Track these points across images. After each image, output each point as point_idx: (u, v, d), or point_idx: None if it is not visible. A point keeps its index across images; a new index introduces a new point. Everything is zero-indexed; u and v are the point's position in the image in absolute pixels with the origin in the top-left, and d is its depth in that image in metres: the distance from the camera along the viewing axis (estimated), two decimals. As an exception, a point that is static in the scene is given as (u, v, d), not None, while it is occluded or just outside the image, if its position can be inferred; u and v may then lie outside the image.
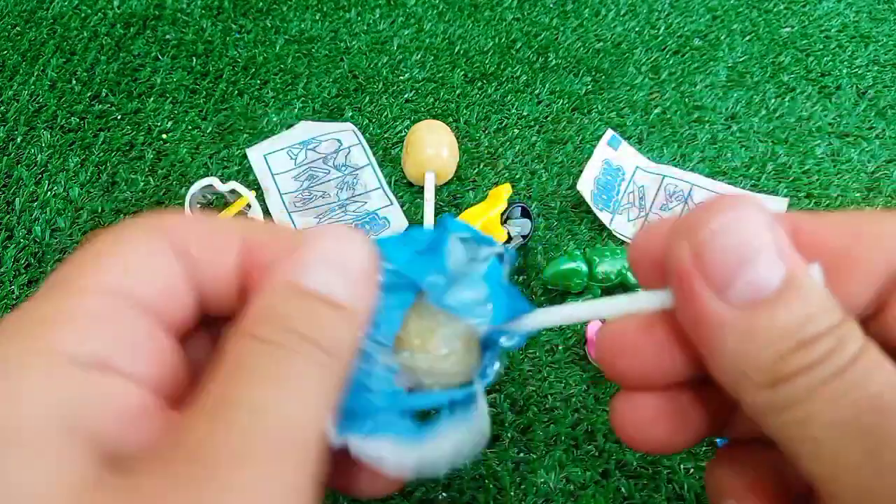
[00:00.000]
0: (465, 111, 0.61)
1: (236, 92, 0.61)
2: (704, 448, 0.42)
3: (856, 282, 0.13)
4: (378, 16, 0.69)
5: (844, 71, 0.66)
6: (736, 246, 0.13)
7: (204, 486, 0.12)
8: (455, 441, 0.17)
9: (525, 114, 0.61)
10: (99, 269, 0.15)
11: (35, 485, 0.12)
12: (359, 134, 0.58)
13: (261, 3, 0.69)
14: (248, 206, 0.51)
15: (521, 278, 0.50)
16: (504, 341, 0.18)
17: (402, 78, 0.63)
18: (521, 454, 0.41)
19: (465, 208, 0.52)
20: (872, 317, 0.14)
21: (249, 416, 0.13)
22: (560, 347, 0.47)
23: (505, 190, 0.51)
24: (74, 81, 0.61)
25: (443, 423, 0.18)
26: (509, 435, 0.42)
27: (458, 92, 0.62)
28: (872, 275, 0.13)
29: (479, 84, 0.63)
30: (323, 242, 0.16)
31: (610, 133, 0.57)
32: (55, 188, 0.54)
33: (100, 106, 0.60)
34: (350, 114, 0.60)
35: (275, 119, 0.59)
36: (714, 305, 0.13)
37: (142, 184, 0.54)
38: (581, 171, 0.54)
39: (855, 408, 0.12)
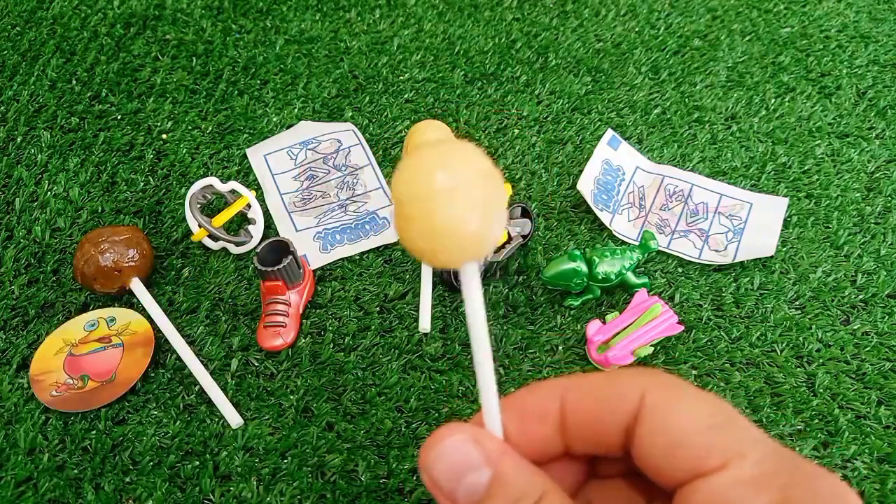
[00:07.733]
0: (465, 111, 0.61)
1: (236, 92, 0.61)
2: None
3: (608, 432, 0.18)
4: (378, 16, 0.69)
5: (844, 71, 0.66)
6: (451, 465, 0.18)
7: None
8: None
9: (525, 114, 0.61)
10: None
11: None
12: (359, 134, 0.58)
13: (261, 3, 0.69)
14: (248, 205, 0.51)
15: (521, 278, 0.50)
16: None
17: (402, 78, 0.63)
18: (521, 454, 0.41)
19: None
20: (631, 444, 0.18)
21: None
22: (560, 347, 0.47)
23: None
24: (74, 81, 0.61)
25: None
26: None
27: (458, 92, 0.62)
28: (616, 424, 0.18)
29: (479, 84, 0.63)
30: None
31: (610, 133, 0.57)
32: (55, 188, 0.54)
33: (100, 106, 0.60)
34: (350, 114, 0.60)
35: (275, 119, 0.59)
36: None
37: (142, 184, 0.54)
38: (581, 171, 0.54)
39: None
